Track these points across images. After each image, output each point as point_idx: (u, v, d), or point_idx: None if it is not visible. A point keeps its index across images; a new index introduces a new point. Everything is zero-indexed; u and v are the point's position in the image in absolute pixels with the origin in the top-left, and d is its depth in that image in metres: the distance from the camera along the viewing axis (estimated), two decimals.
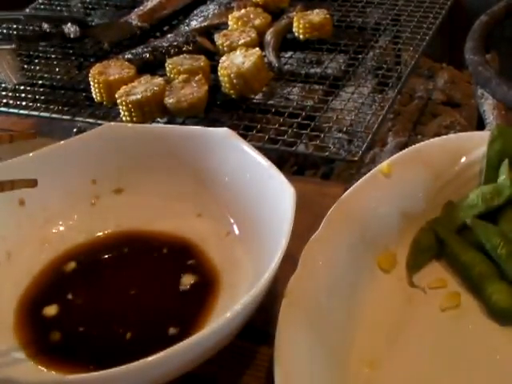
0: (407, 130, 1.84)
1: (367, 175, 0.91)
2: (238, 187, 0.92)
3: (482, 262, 0.86)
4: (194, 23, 1.66)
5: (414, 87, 1.92)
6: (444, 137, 0.97)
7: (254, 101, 1.41)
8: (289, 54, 1.57)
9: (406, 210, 0.91)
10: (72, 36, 1.61)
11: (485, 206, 0.89)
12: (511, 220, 0.89)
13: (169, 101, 1.33)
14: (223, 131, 0.92)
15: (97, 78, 1.42)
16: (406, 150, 0.94)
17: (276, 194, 0.84)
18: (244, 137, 1.24)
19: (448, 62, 2.00)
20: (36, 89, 1.55)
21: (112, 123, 0.97)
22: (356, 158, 1.23)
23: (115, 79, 1.41)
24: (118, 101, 1.35)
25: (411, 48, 1.52)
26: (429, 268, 0.89)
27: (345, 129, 1.30)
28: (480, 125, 1.51)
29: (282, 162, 1.41)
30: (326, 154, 1.24)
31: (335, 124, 1.31)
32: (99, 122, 1.39)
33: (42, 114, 1.45)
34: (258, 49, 1.41)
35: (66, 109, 1.46)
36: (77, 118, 1.43)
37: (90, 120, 1.41)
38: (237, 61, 1.38)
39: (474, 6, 1.90)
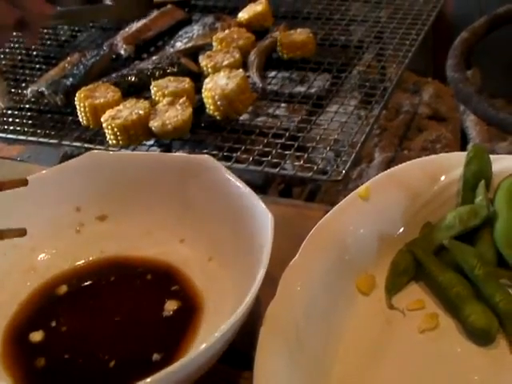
0: (394, 145, 1.85)
1: (346, 199, 0.93)
2: (220, 214, 0.93)
3: (460, 283, 0.87)
4: (179, 44, 1.68)
5: (400, 102, 1.94)
6: (421, 158, 0.99)
7: (239, 121, 1.42)
8: (273, 73, 1.59)
9: (384, 233, 0.92)
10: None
11: (462, 227, 0.91)
12: (488, 241, 0.90)
13: (154, 124, 1.35)
14: (204, 158, 0.93)
15: (83, 101, 1.43)
16: (383, 173, 0.96)
17: (256, 221, 0.86)
18: (229, 158, 1.27)
19: (433, 76, 2.02)
20: (24, 113, 1.55)
21: (95, 151, 0.98)
22: (340, 178, 1.24)
23: (100, 103, 1.43)
24: (104, 124, 1.37)
25: (394, 65, 1.53)
26: (407, 290, 0.90)
27: (330, 146, 1.30)
28: (464, 139, 1.53)
29: (269, 180, 1.42)
30: (310, 174, 1.25)
31: (321, 141, 1.32)
32: (86, 145, 1.41)
33: (30, 138, 1.46)
34: (241, 70, 1.42)
35: (52, 133, 1.47)
36: (63, 142, 1.44)
37: (77, 144, 1.43)
38: (220, 82, 1.39)
39: (458, 19, 1.93)
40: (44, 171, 0.97)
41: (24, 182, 0.87)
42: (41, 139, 1.46)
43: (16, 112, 1.57)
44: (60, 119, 1.53)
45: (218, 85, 1.39)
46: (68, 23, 1.74)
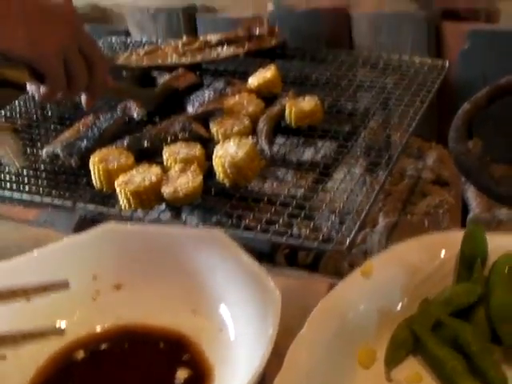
0: (397, 209, 1.90)
1: (349, 276, 0.98)
2: (230, 286, 0.98)
3: (455, 358, 0.92)
4: (190, 109, 1.73)
5: (404, 166, 1.99)
6: (421, 236, 1.04)
7: (248, 188, 1.47)
8: (281, 139, 1.65)
9: (385, 308, 0.97)
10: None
11: (458, 304, 0.96)
12: (483, 317, 0.95)
13: (166, 190, 1.40)
14: (216, 233, 0.98)
15: (97, 165, 1.49)
16: (385, 250, 1.01)
17: (265, 296, 0.91)
18: (237, 226, 1.32)
19: (437, 141, 2.07)
20: (39, 173, 1.61)
21: (111, 223, 1.03)
22: (344, 248, 1.29)
23: (114, 167, 1.48)
24: (118, 189, 1.42)
25: (399, 133, 1.58)
26: (406, 363, 0.95)
27: (335, 214, 1.35)
28: (465, 206, 1.58)
29: (276, 247, 1.46)
30: (315, 244, 1.30)
31: (326, 209, 1.37)
32: (99, 208, 1.46)
33: (45, 199, 1.51)
34: (250, 138, 1.48)
35: (67, 194, 1.52)
36: (78, 205, 1.49)
37: (91, 207, 1.48)
38: (230, 150, 1.45)
39: (461, 85, 1.98)
40: (62, 240, 1.02)
41: (65, 285, 0.93)
42: (55, 201, 1.50)
43: (31, 172, 1.62)
44: (74, 181, 1.58)
45: (227, 153, 1.44)
46: (112, 97, 1.81)
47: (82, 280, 1.05)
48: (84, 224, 1.34)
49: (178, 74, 1.88)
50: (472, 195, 1.50)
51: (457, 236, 1.02)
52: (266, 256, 1.41)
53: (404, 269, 0.99)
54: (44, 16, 1.25)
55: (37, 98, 1.44)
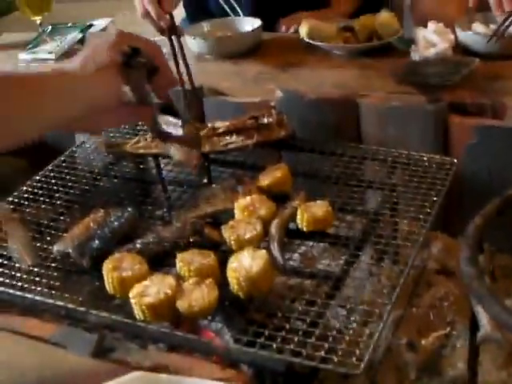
0: (403, 301, 1.90)
1: None
2: None
3: None
4: (201, 206, 1.74)
5: (397, 251, 1.99)
6: None
7: (261, 299, 1.48)
8: (293, 246, 1.65)
9: None
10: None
11: None
12: None
13: (181, 304, 1.41)
14: None
15: (111, 273, 1.49)
16: None
17: None
18: (253, 344, 1.33)
19: (442, 230, 2.08)
20: (50, 272, 1.61)
21: (140, 373, 1.03)
22: (358, 372, 1.30)
23: (128, 276, 1.49)
24: (132, 300, 1.43)
25: (408, 243, 1.59)
26: None
27: (350, 337, 1.36)
28: (474, 320, 1.58)
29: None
30: (331, 367, 1.31)
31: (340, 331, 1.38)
32: (113, 317, 1.47)
33: (58, 302, 1.51)
34: (264, 251, 1.48)
35: (80, 299, 1.52)
36: (91, 312, 1.49)
37: (104, 315, 1.48)
38: (245, 263, 1.46)
39: (467, 178, 2.00)
40: None
41: None
42: (69, 305, 1.50)
43: (43, 270, 1.61)
44: (87, 283, 1.59)
45: (242, 266, 1.45)
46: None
47: None
48: (102, 348, 1.33)
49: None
50: (482, 310, 1.49)
51: None
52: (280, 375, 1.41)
53: None
54: None
55: None
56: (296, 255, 1.64)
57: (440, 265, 2.07)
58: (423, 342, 1.84)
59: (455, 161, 1.87)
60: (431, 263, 2.06)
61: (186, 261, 1.51)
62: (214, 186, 1.82)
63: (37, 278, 1.59)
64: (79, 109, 1.26)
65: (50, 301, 1.53)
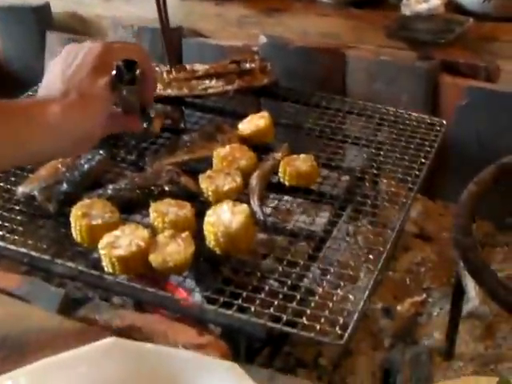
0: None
1: None
2: None
3: None
4: (178, 153, 1.64)
5: (382, 214, 1.92)
6: None
7: (239, 257, 1.39)
8: (274, 200, 1.57)
9: None
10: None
11: None
12: None
13: (154, 259, 1.31)
14: (228, 365, 0.90)
15: (79, 220, 1.39)
16: None
17: None
18: (230, 305, 1.24)
19: (422, 192, 2.00)
20: (13, 215, 1.50)
21: (114, 339, 0.94)
22: (342, 342, 1.22)
23: (98, 224, 1.39)
24: (102, 252, 1.33)
25: (396, 206, 1.51)
26: None
27: (332, 303, 1.28)
28: (458, 290, 1.51)
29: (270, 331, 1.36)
30: (312, 335, 1.23)
31: (322, 297, 1.30)
32: (80, 268, 1.37)
33: (21, 249, 1.41)
34: (245, 206, 1.39)
35: (44, 246, 1.42)
36: (56, 261, 1.39)
37: (71, 265, 1.39)
38: (224, 218, 1.36)
39: (454, 141, 1.93)
40: (61, 355, 0.92)
41: None
42: (32, 253, 1.41)
43: (5, 214, 1.51)
44: (52, 229, 1.49)
45: (221, 221, 1.36)
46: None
47: None
48: (69, 304, 1.23)
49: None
50: (471, 283, 1.43)
51: None
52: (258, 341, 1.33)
53: None
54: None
55: None
56: (269, 209, 1.54)
57: (418, 228, 2.00)
58: (399, 307, 1.78)
59: (444, 122, 1.78)
60: (409, 226, 1.99)
61: (161, 211, 1.41)
62: (191, 131, 1.71)
63: None
64: (64, 143, 1.12)
65: (12, 247, 1.42)
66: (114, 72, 1.14)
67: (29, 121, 1.07)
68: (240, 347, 1.32)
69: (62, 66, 1.15)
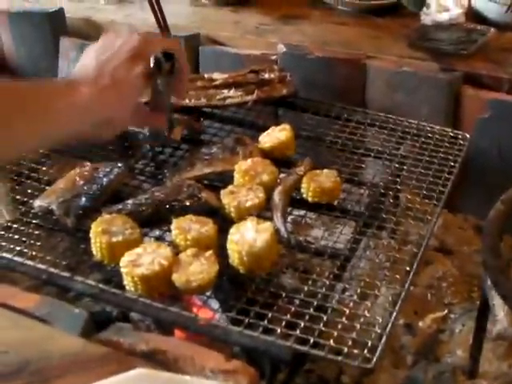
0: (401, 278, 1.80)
1: None
2: None
3: None
4: (199, 167, 1.61)
5: (407, 231, 1.89)
6: None
7: (263, 276, 1.36)
8: (296, 215, 1.54)
9: None
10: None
11: None
12: None
13: (178, 279, 1.28)
14: None
15: (99, 237, 1.36)
16: None
17: None
18: (256, 327, 1.21)
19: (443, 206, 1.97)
20: (30, 230, 1.47)
21: (142, 370, 0.91)
22: (371, 365, 1.19)
23: (119, 242, 1.35)
24: (123, 270, 1.30)
25: (420, 231, 1.48)
26: None
27: (360, 325, 1.25)
28: (483, 309, 1.48)
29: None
30: (340, 358, 1.20)
31: (349, 319, 1.27)
32: (100, 286, 1.34)
33: (39, 265, 1.38)
34: (269, 224, 1.36)
35: (63, 262, 1.40)
36: (76, 278, 1.36)
37: (91, 283, 1.36)
38: (248, 236, 1.33)
39: (475, 153, 1.89)
40: None
41: None
42: (51, 269, 1.38)
43: (22, 227, 1.48)
44: (71, 244, 1.46)
45: (245, 240, 1.33)
46: None
47: None
48: (92, 327, 1.21)
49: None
50: (499, 303, 1.40)
51: None
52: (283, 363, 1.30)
53: None
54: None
55: None
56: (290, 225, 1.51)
57: (439, 242, 1.97)
58: (420, 323, 1.75)
59: (468, 136, 1.75)
60: (430, 240, 1.95)
61: (183, 228, 1.38)
62: (211, 144, 1.68)
63: (15, 236, 1.45)
64: (91, 123, 1.16)
65: (29, 262, 1.39)
66: (152, 62, 1.14)
67: (59, 98, 1.09)
68: (264, 369, 1.28)
69: (97, 53, 1.17)
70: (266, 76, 1.87)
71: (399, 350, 1.68)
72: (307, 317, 1.26)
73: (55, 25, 2.34)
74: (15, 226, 1.48)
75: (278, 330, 1.23)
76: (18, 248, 1.42)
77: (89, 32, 2.29)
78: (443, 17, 2.07)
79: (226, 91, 1.86)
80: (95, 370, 0.94)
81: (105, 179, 1.54)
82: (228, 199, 1.46)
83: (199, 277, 1.28)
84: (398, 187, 1.60)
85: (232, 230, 1.35)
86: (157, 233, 1.46)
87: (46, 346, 1.09)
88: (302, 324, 1.25)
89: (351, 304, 1.31)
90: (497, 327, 1.57)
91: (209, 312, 1.35)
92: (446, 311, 1.79)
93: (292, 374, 1.43)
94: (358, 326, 1.26)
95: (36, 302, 1.24)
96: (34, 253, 1.41)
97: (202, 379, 0.94)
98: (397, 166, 1.65)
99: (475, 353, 1.57)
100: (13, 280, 1.51)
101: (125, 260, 1.31)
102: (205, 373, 1.07)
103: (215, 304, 1.36)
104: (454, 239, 1.97)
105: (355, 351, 1.21)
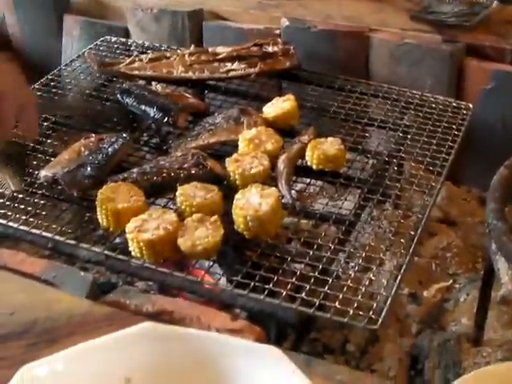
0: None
1: None
2: None
3: None
4: (203, 136, 1.61)
5: (411, 201, 1.89)
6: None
7: (269, 242, 1.36)
8: (301, 184, 1.55)
9: None
10: None
11: None
12: None
13: (183, 243, 1.29)
14: (267, 348, 0.87)
15: (104, 204, 1.36)
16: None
17: None
18: (262, 290, 1.22)
19: (446, 177, 1.97)
20: (36, 200, 1.47)
21: (149, 323, 0.91)
22: (376, 326, 1.20)
23: (124, 208, 1.36)
24: (129, 236, 1.31)
25: (424, 196, 1.49)
26: None
27: (365, 287, 1.26)
28: (488, 276, 1.48)
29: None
30: (346, 320, 1.21)
31: (354, 281, 1.28)
32: (106, 252, 1.35)
33: (44, 233, 1.39)
34: (274, 189, 1.37)
35: (69, 230, 1.40)
36: (82, 245, 1.37)
37: (96, 250, 1.36)
38: (253, 201, 1.34)
39: (479, 125, 1.89)
40: (97, 340, 0.89)
41: None
42: (56, 237, 1.38)
43: (27, 198, 1.48)
44: (76, 213, 1.47)
45: (250, 204, 1.33)
46: None
47: (114, 382, 0.92)
48: (98, 290, 1.21)
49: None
50: (504, 267, 1.40)
51: None
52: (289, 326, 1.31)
53: None
54: None
55: None
56: (304, 194, 1.51)
57: (443, 213, 1.97)
58: (425, 293, 1.75)
59: (471, 106, 1.75)
60: (433, 211, 1.95)
61: (188, 195, 1.39)
62: (216, 114, 1.68)
63: (21, 206, 1.45)
64: None
65: (35, 231, 1.39)
66: None
67: None
68: (270, 332, 1.29)
69: None
70: (270, 49, 1.87)
71: (404, 318, 1.68)
72: (312, 280, 1.26)
73: (58, 3, 2.33)
74: (21, 196, 1.47)
75: (284, 293, 1.24)
76: (23, 217, 1.42)
77: (92, 10, 2.29)
78: None
79: (229, 64, 1.86)
80: (102, 330, 0.94)
81: (110, 149, 1.54)
82: (233, 167, 1.47)
83: (205, 241, 1.28)
84: (402, 155, 1.60)
85: (237, 196, 1.36)
86: (162, 203, 1.46)
87: (53, 307, 1.10)
88: (308, 287, 1.25)
89: (356, 268, 1.31)
90: (501, 291, 1.57)
91: (213, 278, 1.36)
92: (450, 281, 1.79)
93: (298, 341, 1.44)
94: (364, 289, 1.27)
95: (42, 267, 1.24)
96: (39, 222, 1.41)
97: (209, 332, 0.94)
98: (400, 135, 1.65)
99: (480, 321, 1.57)
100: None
101: (130, 226, 1.31)
102: (211, 331, 1.08)
103: (219, 270, 1.35)
104: (458, 211, 1.97)
105: (360, 313, 1.22)
